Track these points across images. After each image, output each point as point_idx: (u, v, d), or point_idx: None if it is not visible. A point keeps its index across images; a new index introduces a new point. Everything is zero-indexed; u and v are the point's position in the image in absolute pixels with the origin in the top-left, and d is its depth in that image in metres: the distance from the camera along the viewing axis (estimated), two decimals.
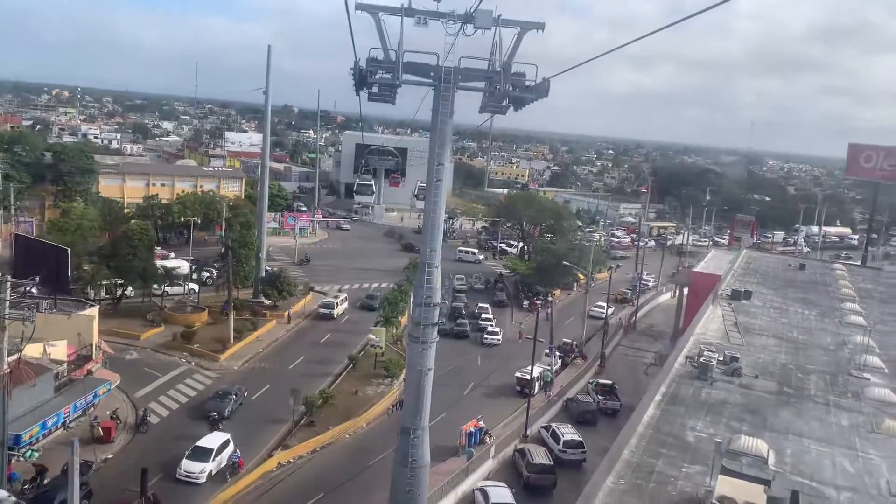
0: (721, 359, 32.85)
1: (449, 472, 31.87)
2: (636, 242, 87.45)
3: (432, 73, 20.38)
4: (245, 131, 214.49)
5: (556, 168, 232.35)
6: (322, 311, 58.64)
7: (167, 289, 56.87)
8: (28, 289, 27.68)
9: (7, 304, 24.63)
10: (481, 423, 36.55)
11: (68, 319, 34.62)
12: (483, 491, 30.13)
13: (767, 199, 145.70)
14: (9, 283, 24.79)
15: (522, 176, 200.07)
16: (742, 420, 26.92)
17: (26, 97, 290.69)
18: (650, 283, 79.21)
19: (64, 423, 32.88)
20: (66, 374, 33.62)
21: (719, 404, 28.37)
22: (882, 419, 27.91)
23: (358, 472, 32.57)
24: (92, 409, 34.19)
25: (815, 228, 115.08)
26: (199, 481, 30.91)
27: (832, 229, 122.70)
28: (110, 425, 33.81)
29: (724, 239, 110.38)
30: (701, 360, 31.87)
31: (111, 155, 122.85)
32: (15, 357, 25.59)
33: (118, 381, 36.46)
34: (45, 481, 28.59)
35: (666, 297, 75.49)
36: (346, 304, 61.34)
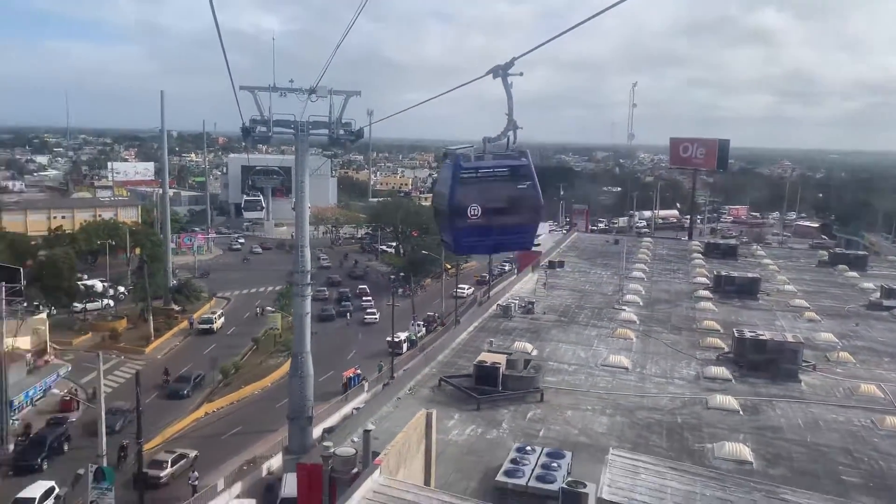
0: (521, 304, 46.50)
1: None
2: None
3: (293, 126, 32.60)
4: (126, 160, 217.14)
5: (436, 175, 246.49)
6: (201, 326, 63.84)
7: (86, 305, 66.01)
8: None
9: (4, 302, 35.05)
10: (358, 371, 48.93)
11: (26, 322, 44.39)
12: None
13: (617, 189, 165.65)
14: (4, 290, 35.19)
15: (406, 185, 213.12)
16: (524, 337, 40.26)
17: None
18: (507, 267, 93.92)
19: (31, 399, 42.81)
20: (32, 361, 43.57)
21: (512, 329, 41.67)
22: (616, 328, 42.15)
23: (266, 413, 44.27)
24: (52, 387, 44.29)
25: (647, 213, 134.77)
26: None
27: (663, 212, 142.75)
28: (70, 400, 44.10)
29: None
30: (505, 305, 45.41)
31: None
32: (9, 343, 35.92)
33: (70, 368, 46.50)
34: (32, 434, 38.80)
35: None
36: (222, 319, 66.91)
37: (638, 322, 44.50)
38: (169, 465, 37.50)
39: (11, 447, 36.80)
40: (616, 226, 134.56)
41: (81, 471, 26.13)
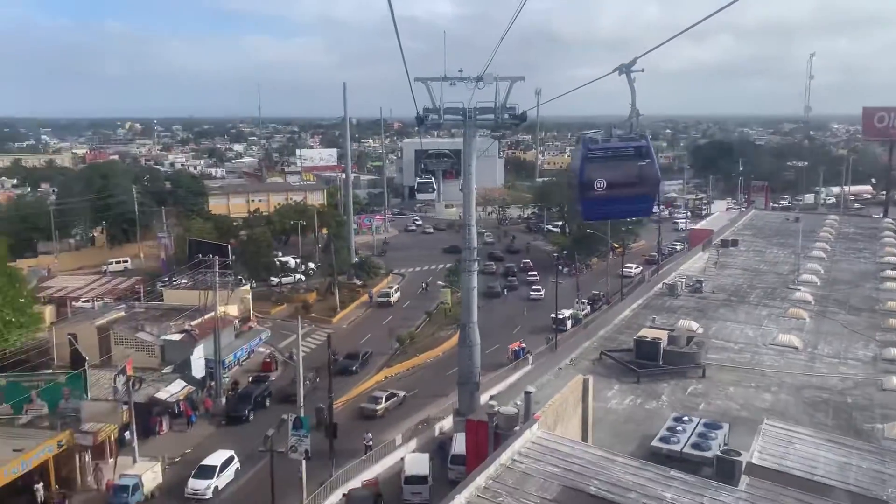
0: (689, 283, 46.23)
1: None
2: (666, 214, 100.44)
3: (461, 113, 34.93)
4: (311, 147, 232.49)
5: None
6: (380, 299, 68.86)
7: (281, 279, 73.35)
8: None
9: (217, 275, 40.60)
10: (523, 344, 51.11)
11: (233, 292, 50.85)
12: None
13: (802, 164, 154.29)
14: (217, 264, 40.72)
15: None
16: (689, 315, 40.27)
17: (103, 133, 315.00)
18: (678, 246, 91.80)
19: (238, 360, 49.09)
20: (238, 327, 49.97)
21: (677, 308, 41.80)
22: (789, 308, 40.96)
23: (438, 379, 47.75)
24: (261, 348, 50.53)
25: (834, 189, 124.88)
26: (205, 497, 34.01)
27: (855, 188, 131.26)
28: (270, 362, 50.08)
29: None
30: (671, 283, 45.41)
31: (204, 180, 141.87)
32: (221, 310, 41.56)
33: (269, 333, 52.63)
34: (240, 389, 44.80)
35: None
36: (398, 294, 71.44)
37: (813, 302, 42.92)
38: (383, 401, 44.18)
39: (223, 400, 42.91)
40: (800, 203, 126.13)
41: (285, 416, 30.37)
